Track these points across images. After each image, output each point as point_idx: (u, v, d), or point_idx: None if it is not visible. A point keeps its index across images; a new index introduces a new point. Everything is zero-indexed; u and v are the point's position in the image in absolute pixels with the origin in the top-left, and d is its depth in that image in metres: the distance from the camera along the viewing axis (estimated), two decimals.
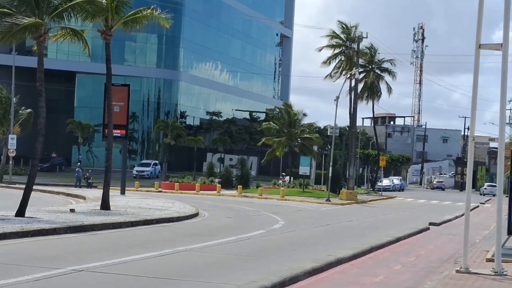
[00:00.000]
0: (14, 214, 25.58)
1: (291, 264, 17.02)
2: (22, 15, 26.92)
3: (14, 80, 61.76)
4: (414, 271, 18.47)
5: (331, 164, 60.07)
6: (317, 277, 16.22)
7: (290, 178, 69.99)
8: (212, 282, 14.44)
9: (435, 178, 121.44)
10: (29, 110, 62.56)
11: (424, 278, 16.99)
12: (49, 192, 48.34)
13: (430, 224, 35.03)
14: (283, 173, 75.81)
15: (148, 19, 34.33)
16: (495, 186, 79.09)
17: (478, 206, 54.27)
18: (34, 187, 28.58)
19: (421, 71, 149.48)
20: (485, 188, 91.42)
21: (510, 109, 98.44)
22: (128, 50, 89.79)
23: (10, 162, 61.20)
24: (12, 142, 58.10)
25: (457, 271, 17.35)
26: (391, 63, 79.77)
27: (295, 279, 15.30)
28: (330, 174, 58.96)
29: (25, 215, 25.48)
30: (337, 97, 60.15)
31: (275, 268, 16.29)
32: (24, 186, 28.41)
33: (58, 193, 48.15)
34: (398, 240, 26.39)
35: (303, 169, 69.09)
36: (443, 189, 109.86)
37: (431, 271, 18.33)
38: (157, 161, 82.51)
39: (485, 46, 18.31)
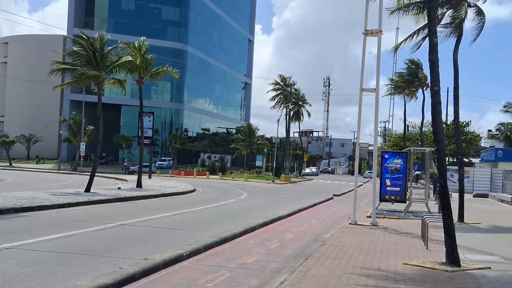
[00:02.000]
0: (83, 190, 25.30)
1: (251, 220, 17.01)
2: (87, 70, 26.71)
3: (84, 109, 61.34)
4: (324, 223, 18.57)
5: (275, 159, 60.47)
6: (266, 228, 16.22)
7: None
8: (202, 231, 14.36)
9: (335, 167, 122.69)
10: (92, 127, 61.67)
11: (330, 227, 17.09)
12: (105, 177, 47.61)
13: (334, 195, 35.27)
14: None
15: (165, 73, 34.22)
16: (372, 172, 79.72)
17: (362, 184, 54.73)
18: (96, 174, 28.19)
19: (328, 104, 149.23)
20: (367, 174, 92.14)
21: (380, 127, 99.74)
22: (153, 91, 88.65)
23: (81, 159, 60.63)
24: (82, 147, 57.59)
25: (350, 223, 17.51)
26: (305, 99, 78.62)
27: (253, 228, 15.29)
28: (274, 166, 59.29)
29: (90, 191, 25.18)
30: (278, 120, 60.67)
31: (241, 222, 16.25)
32: (89, 173, 28.06)
33: (110, 178, 47.47)
34: (315, 205, 26.55)
35: (258, 163, 69.69)
36: (332, 173, 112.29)
37: (334, 223, 18.44)
38: (170, 158, 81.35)
39: (365, 90, 18.50)
